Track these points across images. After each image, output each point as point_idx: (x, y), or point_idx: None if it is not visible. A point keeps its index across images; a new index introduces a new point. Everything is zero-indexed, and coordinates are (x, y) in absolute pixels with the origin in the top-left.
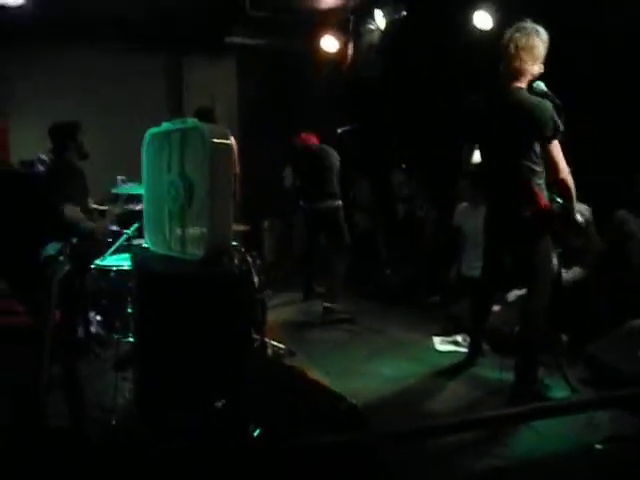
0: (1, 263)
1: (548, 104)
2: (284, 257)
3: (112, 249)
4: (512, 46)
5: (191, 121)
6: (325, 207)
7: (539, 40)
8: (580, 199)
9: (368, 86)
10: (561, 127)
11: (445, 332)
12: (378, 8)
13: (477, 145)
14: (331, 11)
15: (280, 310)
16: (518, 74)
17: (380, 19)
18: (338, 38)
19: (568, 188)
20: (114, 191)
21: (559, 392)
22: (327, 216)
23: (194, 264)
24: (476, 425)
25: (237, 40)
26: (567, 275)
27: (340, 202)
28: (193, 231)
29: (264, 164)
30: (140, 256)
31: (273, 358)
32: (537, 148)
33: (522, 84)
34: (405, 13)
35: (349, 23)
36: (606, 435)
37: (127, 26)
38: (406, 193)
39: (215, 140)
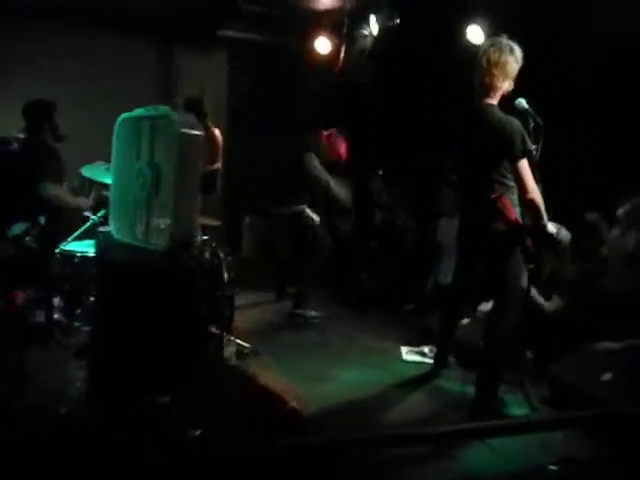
0: None
1: (518, 124)
2: (263, 255)
3: (75, 234)
4: (484, 60)
5: (163, 109)
6: (292, 212)
7: (512, 57)
8: (580, 203)
9: (359, 90)
10: (530, 147)
11: (414, 342)
12: (373, 14)
13: (452, 159)
14: (326, 12)
15: (252, 309)
16: (489, 90)
17: (374, 25)
18: (331, 40)
19: (536, 207)
20: (84, 174)
21: (519, 410)
22: (292, 220)
23: (156, 255)
24: (431, 439)
25: (229, 33)
26: (548, 306)
27: (304, 207)
28: (158, 221)
29: (251, 159)
30: (104, 243)
31: (223, 356)
32: (506, 164)
33: (493, 100)
34: (399, 21)
35: (343, 26)
36: (560, 456)
37: (119, 14)
38: (385, 201)
39: (185, 130)
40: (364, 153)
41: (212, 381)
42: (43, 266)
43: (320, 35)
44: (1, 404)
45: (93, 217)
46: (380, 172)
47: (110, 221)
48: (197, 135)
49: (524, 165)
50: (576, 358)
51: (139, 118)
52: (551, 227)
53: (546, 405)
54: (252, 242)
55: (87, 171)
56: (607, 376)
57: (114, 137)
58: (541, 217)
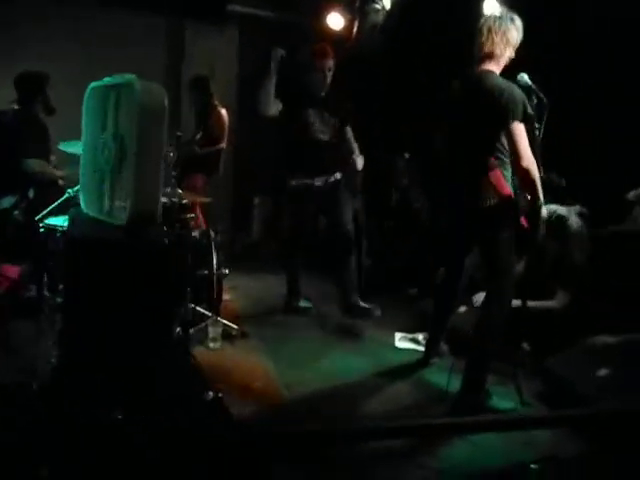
0: None
1: (519, 91)
2: (271, 236)
3: (49, 208)
4: (484, 29)
5: (128, 77)
6: (291, 187)
7: (512, 26)
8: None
9: (369, 65)
10: (532, 114)
11: (409, 328)
12: None
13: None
14: None
15: (251, 291)
16: (489, 57)
17: None
18: (344, 15)
19: (532, 181)
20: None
21: (506, 403)
22: (291, 198)
23: (119, 230)
24: (408, 432)
25: (239, 8)
26: (554, 304)
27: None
28: (121, 195)
29: (260, 139)
30: (74, 217)
31: (187, 337)
32: (504, 139)
33: (494, 68)
34: None
35: (356, 1)
36: (543, 455)
37: None
38: (405, 183)
39: (146, 98)
40: (379, 131)
41: (163, 361)
42: (32, 240)
43: (332, 10)
44: None
45: (70, 190)
46: (406, 155)
47: (80, 195)
48: (160, 105)
49: (520, 129)
50: (572, 352)
51: (107, 87)
52: (552, 208)
53: (538, 400)
54: (261, 222)
55: (66, 145)
56: (603, 371)
57: (84, 108)
58: (536, 193)
